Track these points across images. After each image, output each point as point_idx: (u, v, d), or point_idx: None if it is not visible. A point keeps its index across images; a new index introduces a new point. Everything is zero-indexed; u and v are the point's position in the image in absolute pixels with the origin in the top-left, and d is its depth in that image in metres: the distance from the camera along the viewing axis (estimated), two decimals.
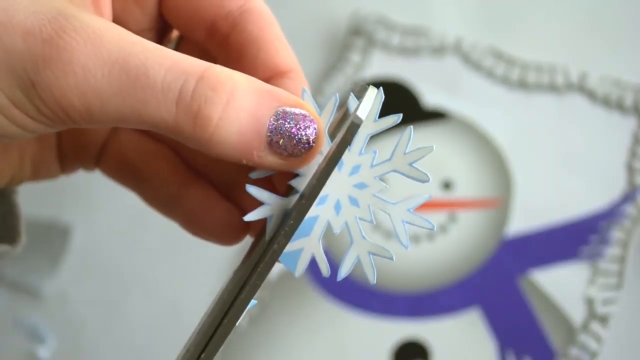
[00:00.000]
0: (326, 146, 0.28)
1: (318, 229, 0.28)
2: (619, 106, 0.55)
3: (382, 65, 0.58)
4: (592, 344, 0.50)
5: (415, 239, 0.54)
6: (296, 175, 0.28)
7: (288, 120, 0.27)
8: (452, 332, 0.51)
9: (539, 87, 0.57)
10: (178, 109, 0.26)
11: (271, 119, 0.27)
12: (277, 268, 0.54)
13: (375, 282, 0.28)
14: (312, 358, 0.52)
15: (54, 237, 0.56)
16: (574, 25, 0.59)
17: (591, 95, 0.56)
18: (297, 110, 0.27)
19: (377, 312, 0.52)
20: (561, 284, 0.51)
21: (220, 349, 0.28)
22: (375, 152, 0.28)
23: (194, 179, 0.34)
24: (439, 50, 0.58)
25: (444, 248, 0.54)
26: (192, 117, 0.26)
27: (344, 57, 0.59)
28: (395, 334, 0.52)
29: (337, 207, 0.28)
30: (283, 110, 0.27)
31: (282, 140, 0.27)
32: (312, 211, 0.28)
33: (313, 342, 0.52)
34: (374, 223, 0.28)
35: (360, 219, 0.28)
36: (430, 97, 0.57)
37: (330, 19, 0.60)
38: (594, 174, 0.54)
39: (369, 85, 0.28)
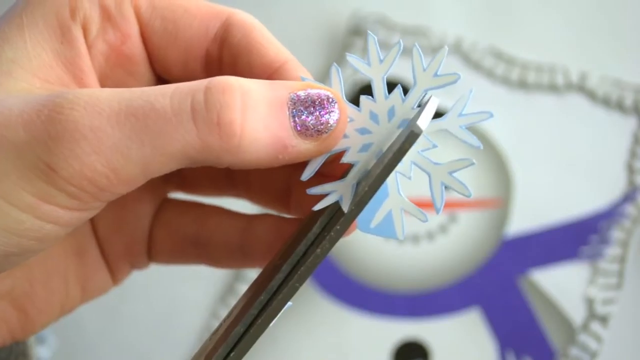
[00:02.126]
0: (354, 112, 0.27)
1: (354, 173, 0.27)
2: (619, 106, 0.55)
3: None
4: (592, 344, 0.50)
5: (415, 239, 0.54)
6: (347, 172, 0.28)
7: (305, 101, 0.26)
8: (452, 332, 0.51)
9: (539, 87, 0.57)
10: (198, 125, 0.25)
11: (289, 105, 0.26)
12: None
13: (403, 238, 0.28)
14: (312, 358, 0.52)
15: None
16: (574, 25, 0.59)
17: (591, 95, 0.56)
18: (309, 91, 0.27)
19: (377, 312, 0.52)
20: (561, 284, 0.51)
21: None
22: (399, 87, 0.28)
23: (255, 217, 0.32)
24: (439, 50, 0.58)
25: (444, 248, 0.54)
26: (216, 128, 0.25)
27: (344, 57, 0.59)
28: (395, 334, 0.52)
29: (378, 155, 0.27)
30: (296, 94, 0.26)
31: (307, 120, 0.26)
32: (354, 156, 0.27)
33: (313, 342, 0.52)
34: (411, 179, 0.27)
35: (400, 173, 0.27)
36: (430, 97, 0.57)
37: (330, 19, 0.60)
38: (594, 174, 0.54)
39: (431, 94, 0.28)
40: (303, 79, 0.28)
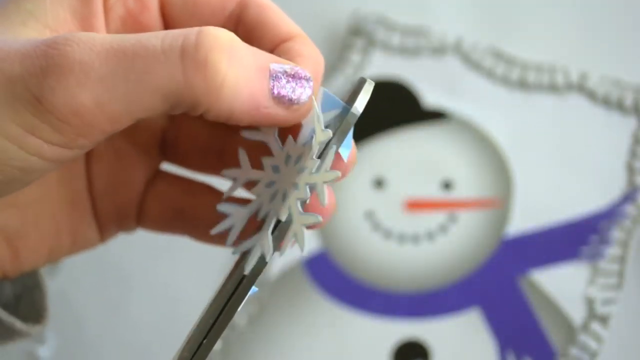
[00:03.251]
0: (259, 173, 0.30)
1: (268, 223, 0.29)
2: (619, 106, 0.55)
3: (382, 65, 0.58)
4: (592, 344, 0.50)
5: (415, 239, 0.54)
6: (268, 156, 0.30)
7: (287, 71, 0.28)
8: (452, 332, 0.51)
9: (539, 87, 0.57)
10: (184, 63, 0.26)
11: (271, 70, 0.28)
12: (277, 267, 0.54)
13: (246, 272, 0.29)
14: (312, 358, 0.52)
15: None
16: (574, 25, 0.59)
17: (591, 95, 0.56)
18: (291, 65, 0.28)
19: (377, 312, 0.52)
20: (561, 284, 0.51)
21: (220, 348, 0.29)
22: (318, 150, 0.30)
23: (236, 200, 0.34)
24: (439, 50, 0.58)
25: (444, 248, 0.54)
26: (202, 66, 0.26)
27: (344, 57, 0.59)
28: (395, 334, 0.52)
29: (272, 197, 0.30)
30: (279, 64, 0.28)
31: (283, 89, 0.28)
32: (266, 208, 0.30)
33: (313, 342, 0.52)
34: (308, 200, 0.29)
35: (277, 214, 0.29)
36: (430, 97, 0.57)
37: (330, 19, 0.60)
38: (594, 174, 0.54)
39: (365, 79, 0.30)
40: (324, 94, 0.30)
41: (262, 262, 0.29)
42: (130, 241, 0.57)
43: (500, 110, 0.57)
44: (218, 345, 0.52)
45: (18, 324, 0.32)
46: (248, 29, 0.31)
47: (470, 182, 0.55)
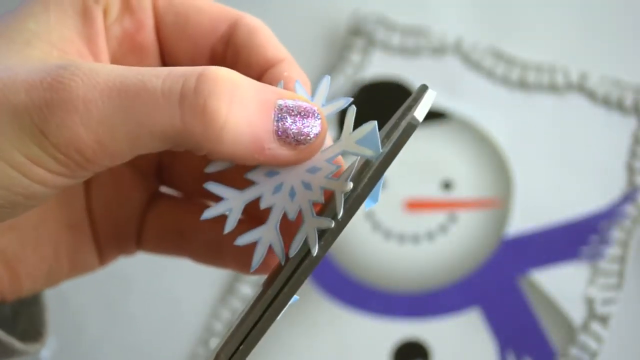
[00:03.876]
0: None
1: (274, 217, 0.29)
2: (619, 106, 0.55)
3: (382, 65, 0.58)
4: (592, 344, 0.50)
5: (415, 239, 0.54)
6: (253, 168, 0.29)
7: (292, 110, 0.27)
8: (452, 332, 0.51)
9: (539, 87, 0.57)
10: (183, 108, 0.26)
11: (275, 110, 0.27)
12: None
13: (253, 269, 0.29)
14: (312, 358, 0.52)
15: None
16: (574, 25, 0.59)
17: (591, 95, 0.56)
18: (298, 102, 0.27)
19: (377, 312, 0.52)
20: (561, 284, 0.51)
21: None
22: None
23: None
24: (439, 50, 0.58)
25: (444, 248, 0.54)
26: (200, 113, 0.26)
27: (344, 57, 0.59)
28: (395, 334, 0.52)
29: (292, 194, 0.29)
30: (285, 102, 0.27)
31: (289, 129, 0.27)
32: (269, 200, 0.29)
33: (313, 342, 0.52)
34: (323, 202, 0.29)
35: (285, 210, 0.29)
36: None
37: (330, 19, 0.60)
38: (594, 174, 0.54)
39: (426, 86, 0.28)
40: (297, 85, 0.29)
41: (312, 262, 0.28)
42: None
43: (500, 110, 0.57)
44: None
45: (17, 344, 0.32)
46: (236, 52, 0.31)
47: (470, 182, 0.55)
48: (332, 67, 0.59)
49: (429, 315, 0.52)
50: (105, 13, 0.30)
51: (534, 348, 0.50)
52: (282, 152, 0.27)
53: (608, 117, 0.55)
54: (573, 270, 0.52)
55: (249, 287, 0.53)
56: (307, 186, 0.28)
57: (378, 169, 0.27)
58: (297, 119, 0.27)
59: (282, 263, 0.28)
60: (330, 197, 0.29)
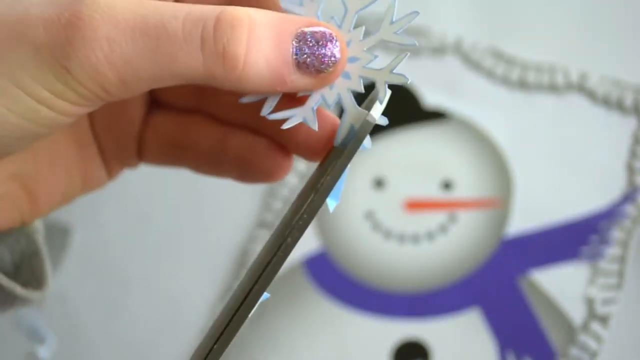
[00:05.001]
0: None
1: (312, 100, 0.29)
2: (619, 106, 0.55)
3: (382, 66, 0.58)
4: (592, 344, 0.50)
5: (415, 239, 0.54)
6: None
7: (309, 39, 0.28)
8: (452, 332, 0.51)
9: (539, 87, 0.57)
10: (204, 54, 0.27)
11: (293, 42, 0.28)
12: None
13: (370, 146, 0.30)
14: (312, 358, 0.52)
15: (54, 237, 0.56)
16: (574, 25, 0.59)
17: (591, 95, 0.56)
18: (315, 29, 0.28)
19: (377, 312, 0.52)
20: (561, 284, 0.51)
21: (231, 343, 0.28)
22: (363, 27, 0.31)
23: (231, 130, 0.35)
24: (439, 50, 0.58)
25: (444, 248, 0.54)
26: (220, 59, 0.27)
27: None
28: (395, 334, 0.52)
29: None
30: (302, 31, 0.28)
31: (308, 58, 0.28)
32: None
33: (313, 342, 0.52)
34: (363, 92, 0.29)
35: (351, 89, 0.29)
36: (430, 97, 0.57)
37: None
38: (594, 174, 0.54)
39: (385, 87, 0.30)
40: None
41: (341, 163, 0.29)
42: (130, 242, 0.57)
43: (500, 110, 0.57)
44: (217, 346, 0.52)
45: (18, 289, 0.33)
46: None
47: (470, 182, 0.55)
48: None
49: (429, 315, 0.52)
50: None
51: (534, 348, 0.50)
52: (304, 80, 0.28)
53: (608, 117, 0.55)
54: (573, 270, 0.52)
55: None
56: (345, 75, 0.29)
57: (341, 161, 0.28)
58: (314, 47, 0.28)
59: (316, 128, 0.29)
60: (329, 152, 0.30)
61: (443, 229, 0.54)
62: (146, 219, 0.57)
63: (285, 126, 0.29)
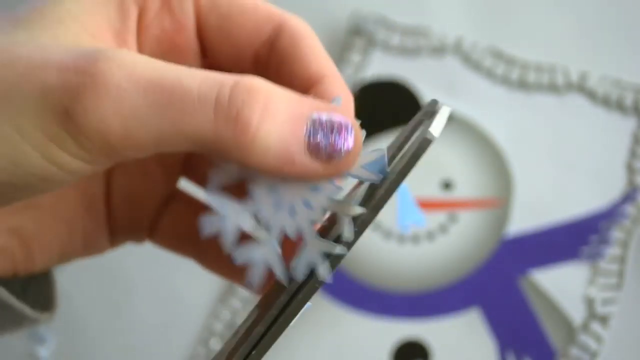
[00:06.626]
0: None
1: (273, 235, 0.28)
2: (619, 106, 0.55)
3: (382, 65, 0.58)
4: (592, 344, 0.50)
5: (415, 239, 0.54)
6: (255, 181, 0.28)
7: (325, 124, 0.27)
8: (452, 332, 0.51)
9: (539, 87, 0.57)
10: (216, 116, 0.26)
11: (308, 123, 0.27)
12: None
13: (330, 280, 0.28)
14: (312, 358, 0.52)
15: None
16: (574, 25, 0.59)
17: (591, 95, 0.56)
18: (333, 116, 0.27)
19: (377, 312, 0.52)
20: (561, 284, 0.51)
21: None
22: None
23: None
24: (439, 50, 0.58)
25: (444, 248, 0.54)
26: (232, 122, 0.26)
27: (344, 57, 0.59)
28: (395, 334, 0.52)
29: (292, 212, 0.28)
30: (319, 115, 0.27)
31: (322, 142, 0.27)
32: (268, 217, 0.28)
33: (313, 342, 0.52)
34: (323, 223, 0.28)
35: (284, 228, 0.28)
36: (430, 97, 0.57)
37: (330, 19, 0.60)
38: (594, 174, 0.54)
39: (438, 102, 0.28)
40: (337, 99, 0.28)
41: (317, 282, 0.28)
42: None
43: (500, 110, 0.57)
44: (218, 345, 0.52)
45: (28, 310, 0.33)
46: (280, 60, 0.31)
47: (470, 182, 0.55)
48: None
49: (429, 315, 0.52)
50: (144, 9, 0.30)
51: (534, 348, 0.50)
52: (313, 166, 0.27)
53: (608, 117, 0.55)
54: (573, 270, 0.52)
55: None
56: (308, 204, 0.28)
57: (390, 188, 0.27)
58: (329, 133, 0.27)
59: (286, 284, 0.28)
60: (332, 218, 0.29)
61: (443, 229, 0.54)
62: None
63: (249, 280, 0.28)
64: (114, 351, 0.54)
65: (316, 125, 0.27)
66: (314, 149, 0.27)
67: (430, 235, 0.54)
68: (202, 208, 0.35)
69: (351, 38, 0.59)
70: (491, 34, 0.59)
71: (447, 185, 0.55)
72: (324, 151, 0.27)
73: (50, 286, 0.35)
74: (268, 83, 0.26)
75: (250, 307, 0.53)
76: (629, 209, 0.52)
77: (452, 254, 0.53)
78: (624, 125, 0.55)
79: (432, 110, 0.27)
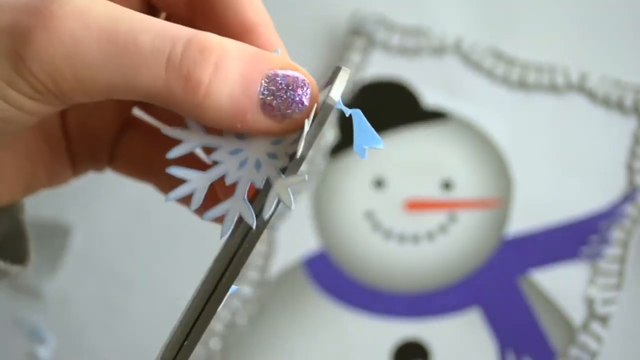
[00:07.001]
0: (220, 139, 0.29)
1: (241, 189, 0.28)
2: (619, 106, 0.55)
3: (382, 65, 0.58)
4: (592, 344, 0.50)
5: (415, 239, 0.54)
6: (215, 150, 0.29)
7: (280, 82, 0.27)
8: (452, 332, 0.51)
9: (539, 87, 0.57)
10: (168, 73, 0.26)
11: (263, 82, 0.27)
12: (277, 267, 0.54)
13: (222, 238, 0.29)
14: (312, 358, 0.52)
15: (54, 237, 0.56)
16: (574, 25, 0.59)
17: (591, 95, 0.56)
18: (288, 72, 0.27)
19: (377, 312, 0.52)
20: (561, 284, 0.51)
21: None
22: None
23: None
24: (439, 50, 0.58)
25: (444, 248, 0.54)
26: (183, 81, 0.26)
27: (344, 57, 0.59)
28: (395, 334, 0.52)
29: (257, 166, 0.28)
30: (274, 72, 0.27)
31: (275, 101, 0.27)
32: (235, 175, 0.28)
33: (313, 342, 0.52)
34: (261, 187, 0.28)
35: (251, 181, 0.28)
36: (430, 97, 0.57)
37: (330, 19, 0.60)
38: (594, 174, 0.54)
39: (341, 68, 0.28)
40: (275, 52, 0.28)
41: (247, 229, 0.28)
42: (130, 243, 0.57)
43: (500, 110, 0.57)
44: (218, 345, 0.52)
45: (0, 263, 0.32)
46: (212, 3, 0.31)
47: (470, 182, 0.55)
48: (332, 67, 0.59)
49: (429, 315, 0.52)
50: None
51: (534, 348, 0.50)
52: (267, 123, 0.27)
53: (608, 117, 0.55)
54: (573, 270, 0.52)
55: (249, 287, 0.53)
56: (272, 156, 0.28)
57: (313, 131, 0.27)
58: (284, 92, 0.27)
59: (254, 227, 0.28)
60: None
61: (443, 229, 0.54)
62: (146, 219, 0.57)
63: (171, 197, 0.28)
64: (113, 351, 0.54)
65: (270, 84, 0.27)
66: (267, 108, 0.27)
67: (430, 235, 0.54)
68: (157, 134, 0.35)
69: (351, 38, 0.59)
70: (491, 34, 0.59)
71: (447, 185, 0.55)
72: (277, 110, 0.27)
73: (24, 245, 0.34)
74: (223, 39, 0.26)
75: (251, 307, 0.53)
76: (629, 209, 0.52)
77: (452, 254, 0.53)
78: (624, 125, 0.55)
79: (334, 76, 0.28)
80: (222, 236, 0.28)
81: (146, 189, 0.38)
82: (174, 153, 0.28)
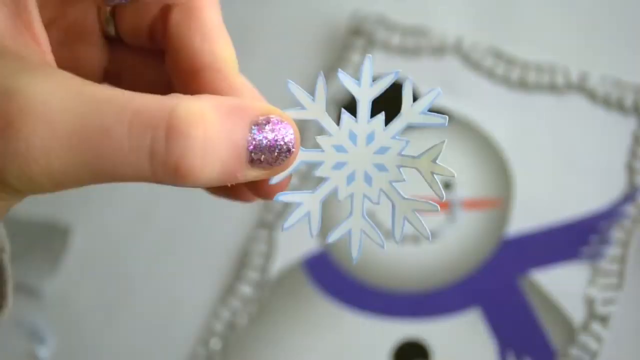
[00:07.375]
0: (333, 127, 0.28)
1: (358, 206, 0.28)
2: (619, 106, 0.55)
3: (382, 66, 0.58)
4: (592, 344, 0.50)
5: (415, 239, 0.54)
6: (318, 165, 0.29)
7: (265, 134, 0.26)
8: (452, 332, 0.51)
9: (539, 87, 0.57)
10: (153, 165, 0.25)
11: (248, 138, 0.26)
12: (277, 267, 0.54)
13: (356, 261, 0.29)
14: (312, 358, 0.52)
15: (54, 237, 0.56)
16: (574, 25, 0.59)
17: (591, 95, 0.56)
18: (270, 118, 0.27)
19: (377, 312, 0.52)
20: (561, 284, 0.51)
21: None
22: (382, 115, 0.29)
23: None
24: (439, 50, 0.58)
25: (444, 248, 0.54)
26: (172, 171, 0.25)
27: (344, 57, 0.59)
28: (395, 334, 0.52)
29: (367, 179, 0.28)
30: (257, 124, 0.26)
31: (263, 156, 0.27)
32: (346, 191, 0.28)
33: (313, 342, 0.52)
34: (379, 204, 0.28)
35: (366, 196, 0.28)
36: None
37: (330, 19, 0.60)
38: (594, 174, 0.54)
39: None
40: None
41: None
42: (131, 242, 0.57)
43: (500, 110, 0.57)
44: (218, 345, 0.52)
45: None
46: (173, 35, 0.30)
47: (470, 182, 0.55)
48: (332, 67, 0.59)
49: (429, 315, 0.52)
50: None
51: (534, 348, 0.50)
52: (255, 173, 0.27)
53: (608, 117, 0.55)
54: (573, 270, 0.52)
55: (249, 287, 0.53)
56: (381, 167, 0.28)
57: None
58: (271, 145, 0.27)
59: (384, 248, 0.28)
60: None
61: (443, 229, 0.54)
62: (146, 219, 0.57)
63: (286, 225, 0.28)
64: (113, 351, 0.54)
65: (256, 139, 0.26)
66: (256, 163, 0.27)
67: (430, 235, 0.54)
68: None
69: (351, 38, 0.59)
70: (491, 34, 0.59)
71: (447, 185, 0.55)
72: (266, 162, 0.27)
73: (4, 287, 0.34)
74: (202, 107, 0.25)
75: (251, 306, 0.53)
76: (629, 209, 0.52)
77: (452, 254, 0.53)
78: (624, 125, 0.55)
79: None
80: (354, 260, 0.29)
81: (146, 189, 0.38)
82: (277, 179, 0.28)
